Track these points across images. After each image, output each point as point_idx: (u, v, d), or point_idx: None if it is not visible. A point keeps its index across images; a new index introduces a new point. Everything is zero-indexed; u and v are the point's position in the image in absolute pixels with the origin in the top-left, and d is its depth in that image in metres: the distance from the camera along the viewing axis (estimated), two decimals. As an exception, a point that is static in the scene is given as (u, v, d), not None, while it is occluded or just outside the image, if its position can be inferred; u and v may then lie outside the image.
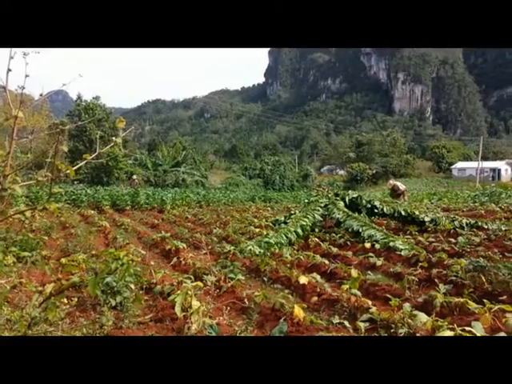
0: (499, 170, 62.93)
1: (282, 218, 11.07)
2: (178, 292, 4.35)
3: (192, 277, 5.43)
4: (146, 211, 18.20)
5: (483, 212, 12.47)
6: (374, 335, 3.70)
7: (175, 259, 7.21)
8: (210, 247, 8.57)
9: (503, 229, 8.54)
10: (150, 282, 5.58)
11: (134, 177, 29.19)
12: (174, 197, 21.84)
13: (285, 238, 8.39)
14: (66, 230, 10.80)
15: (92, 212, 15.45)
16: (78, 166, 2.51)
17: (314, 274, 5.66)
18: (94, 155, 2.83)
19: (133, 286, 4.80)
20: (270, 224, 11.01)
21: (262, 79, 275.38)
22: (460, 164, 68.71)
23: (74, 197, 18.91)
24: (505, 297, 4.43)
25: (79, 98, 40.86)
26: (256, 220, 12.83)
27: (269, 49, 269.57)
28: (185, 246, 8.18)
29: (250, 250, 7.37)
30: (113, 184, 32.26)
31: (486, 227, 8.98)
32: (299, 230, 8.89)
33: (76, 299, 4.28)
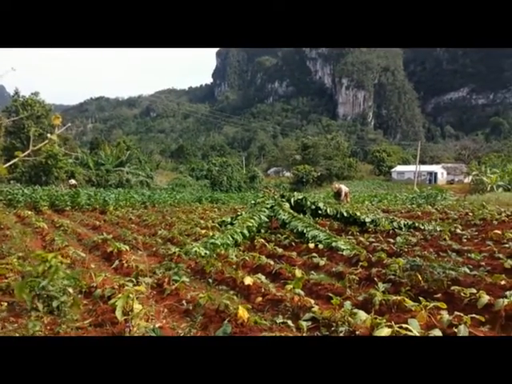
0: (435, 174, 66.60)
1: (229, 219, 11.06)
2: (119, 295, 4.21)
3: (134, 279, 5.28)
4: (87, 212, 17.52)
5: (420, 213, 13.10)
6: (315, 334, 3.77)
7: (117, 262, 6.99)
8: (154, 249, 8.40)
9: (438, 229, 9.02)
10: (90, 285, 5.37)
11: (73, 181, 27.92)
12: (118, 197, 21.20)
13: (231, 239, 8.38)
14: (1, 231, 10.18)
15: (29, 213, 14.66)
16: (9, 163, 2.37)
17: (259, 275, 5.69)
18: (26, 152, 2.68)
19: (71, 290, 4.61)
20: (217, 225, 10.97)
21: (209, 80, 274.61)
22: (399, 167, 72.01)
23: (9, 197, 17.88)
24: (439, 295, 4.65)
25: (16, 93, 38.63)
26: (202, 221, 12.73)
27: (217, 49, 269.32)
28: (127, 248, 7.95)
29: (196, 251, 7.29)
30: (52, 183, 30.75)
31: (422, 228, 9.45)
32: (245, 231, 8.92)
33: (6, 304, 4.04)
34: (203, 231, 10.06)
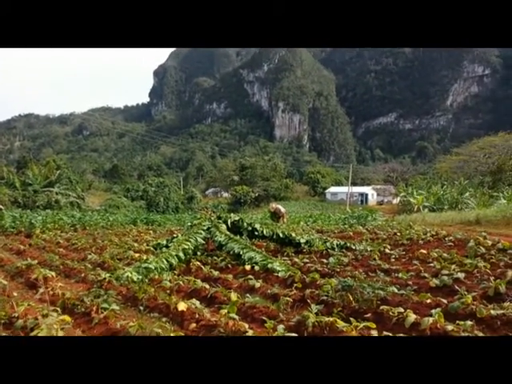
0: (366, 195, 69.78)
1: (164, 242, 10.78)
2: (42, 326, 3.94)
3: (59, 309, 4.97)
4: (12, 236, 16.35)
5: (352, 233, 13.54)
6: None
7: (41, 289, 6.54)
8: (83, 275, 7.98)
9: (369, 249, 9.36)
10: (11, 315, 4.98)
11: None
12: (45, 219, 20.05)
13: (166, 262, 8.15)
14: None
15: None
16: None
17: (194, 300, 5.56)
18: None
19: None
20: (151, 248, 10.66)
21: (146, 99, 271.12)
22: (332, 189, 74.70)
23: None
24: (369, 314, 4.77)
25: None
26: (136, 244, 12.31)
27: (154, 69, 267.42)
28: (54, 274, 7.48)
29: (128, 276, 6.99)
30: (-28, 205, 28.49)
31: (353, 248, 9.76)
32: (181, 254, 8.73)
33: None
34: (137, 255, 9.72)
